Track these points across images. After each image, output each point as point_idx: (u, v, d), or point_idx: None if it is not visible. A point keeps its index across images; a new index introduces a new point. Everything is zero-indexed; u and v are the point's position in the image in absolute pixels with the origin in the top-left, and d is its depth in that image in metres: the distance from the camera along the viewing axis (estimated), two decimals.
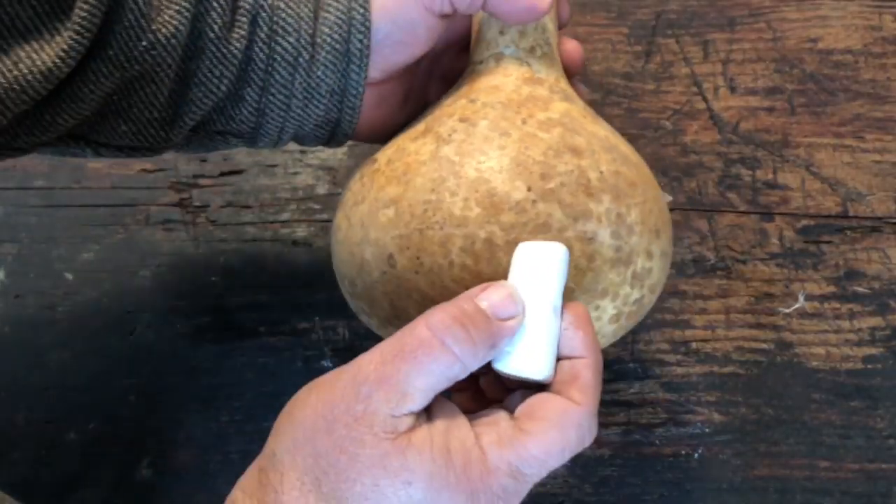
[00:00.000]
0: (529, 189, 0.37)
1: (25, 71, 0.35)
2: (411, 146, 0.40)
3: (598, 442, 0.51)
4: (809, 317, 0.53)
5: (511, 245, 0.36)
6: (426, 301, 0.38)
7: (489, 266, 0.37)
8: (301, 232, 0.56)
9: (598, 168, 0.39)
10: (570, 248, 0.36)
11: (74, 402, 0.52)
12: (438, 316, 0.32)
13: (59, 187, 0.57)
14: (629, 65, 0.60)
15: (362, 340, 0.53)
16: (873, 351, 0.53)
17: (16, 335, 0.54)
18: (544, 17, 0.43)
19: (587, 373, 0.33)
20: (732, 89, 0.59)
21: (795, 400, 0.52)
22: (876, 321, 0.53)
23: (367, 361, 0.32)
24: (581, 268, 0.37)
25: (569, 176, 0.38)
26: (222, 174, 0.58)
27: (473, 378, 0.38)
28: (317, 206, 0.57)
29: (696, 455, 0.50)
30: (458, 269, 0.37)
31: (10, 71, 0.35)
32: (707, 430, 0.51)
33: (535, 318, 0.34)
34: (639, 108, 0.59)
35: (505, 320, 0.33)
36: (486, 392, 0.39)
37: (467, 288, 0.35)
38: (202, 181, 0.58)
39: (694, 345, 0.53)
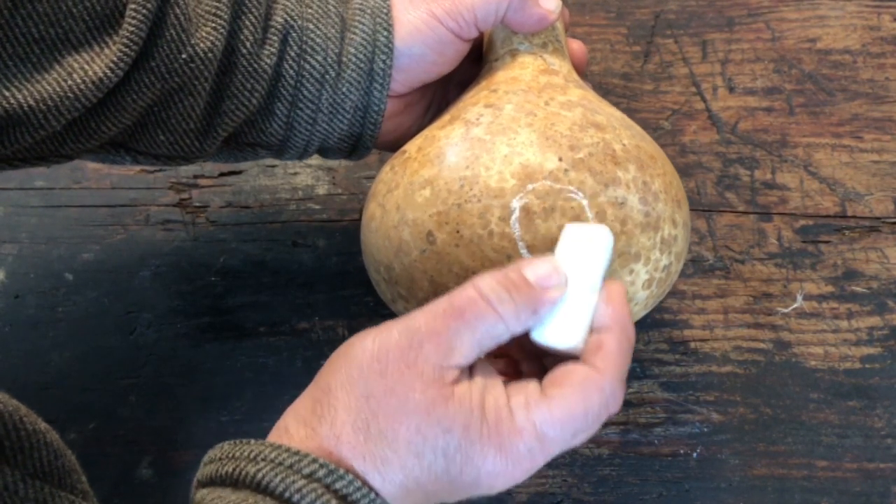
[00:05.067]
0: (561, 159, 0.39)
1: (79, 80, 0.38)
2: (440, 133, 0.42)
3: (596, 441, 0.51)
4: (808, 316, 0.54)
5: (547, 212, 0.39)
6: (467, 273, 0.40)
7: (528, 233, 0.39)
8: (301, 232, 0.56)
9: (620, 141, 0.41)
10: (603, 212, 0.39)
11: (74, 402, 0.52)
12: (486, 280, 0.34)
13: (59, 188, 0.57)
14: (628, 65, 0.60)
15: None
16: (871, 351, 0.53)
17: (16, 335, 0.54)
18: None
19: (612, 343, 0.35)
20: (731, 89, 0.59)
21: (794, 399, 0.52)
22: (874, 321, 0.53)
23: (420, 316, 0.34)
24: (615, 231, 0.39)
25: (595, 147, 0.40)
26: (222, 174, 0.58)
27: (510, 347, 0.40)
28: (317, 207, 0.57)
29: (694, 454, 0.51)
30: (497, 238, 0.39)
31: (64, 80, 0.38)
32: (705, 429, 0.51)
33: (575, 293, 0.36)
34: (637, 108, 0.59)
35: (548, 290, 0.35)
36: (520, 363, 0.40)
37: (508, 256, 0.39)
38: (202, 181, 0.58)
39: (692, 344, 0.53)
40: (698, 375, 0.52)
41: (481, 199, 0.39)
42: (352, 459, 0.33)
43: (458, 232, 0.39)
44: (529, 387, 0.35)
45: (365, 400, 0.33)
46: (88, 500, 0.33)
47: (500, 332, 0.34)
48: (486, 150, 0.40)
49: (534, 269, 0.35)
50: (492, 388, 0.34)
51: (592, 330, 0.36)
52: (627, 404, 0.52)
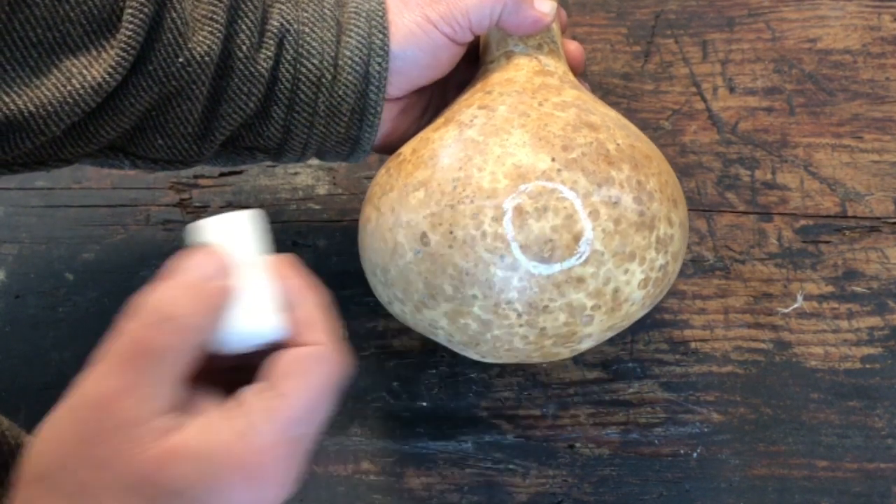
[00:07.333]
0: (553, 160, 0.39)
1: (77, 86, 0.38)
2: (434, 135, 0.43)
3: (596, 441, 0.51)
4: (808, 317, 0.54)
5: (540, 212, 0.39)
6: (461, 274, 0.40)
7: (521, 233, 0.39)
8: (301, 232, 0.56)
9: (614, 140, 0.41)
10: (597, 212, 0.39)
11: None
12: (152, 298, 0.31)
13: (59, 187, 0.57)
14: (628, 65, 0.60)
15: (360, 341, 0.53)
16: (872, 351, 0.53)
17: (16, 335, 0.54)
18: None
19: (312, 313, 0.33)
20: (731, 89, 0.59)
21: (794, 400, 0.52)
22: (874, 321, 0.53)
23: (101, 377, 0.30)
24: (609, 231, 0.39)
25: (589, 147, 0.40)
26: (222, 174, 0.58)
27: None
28: (317, 207, 0.57)
29: (694, 455, 0.51)
30: (490, 239, 0.39)
31: (63, 86, 0.38)
32: (706, 429, 0.51)
33: (243, 283, 0.33)
34: (638, 108, 0.59)
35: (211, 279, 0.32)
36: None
37: (501, 257, 0.39)
38: (202, 181, 0.58)
39: (693, 344, 0.53)
40: (698, 375, 0.52)
41: (474, 199, 0.39)
42: None
43: (451, 233, 0.40)
44: (264, 393, 0.31)
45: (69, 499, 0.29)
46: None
47: (183, 343, 0.31)
48: (479, 152, 0.40)
49: (193, 267, 0.32)
50: (218, 419, 0.30)
51: (283, 310, 0.33)
52: (627, 404, 0.52)
